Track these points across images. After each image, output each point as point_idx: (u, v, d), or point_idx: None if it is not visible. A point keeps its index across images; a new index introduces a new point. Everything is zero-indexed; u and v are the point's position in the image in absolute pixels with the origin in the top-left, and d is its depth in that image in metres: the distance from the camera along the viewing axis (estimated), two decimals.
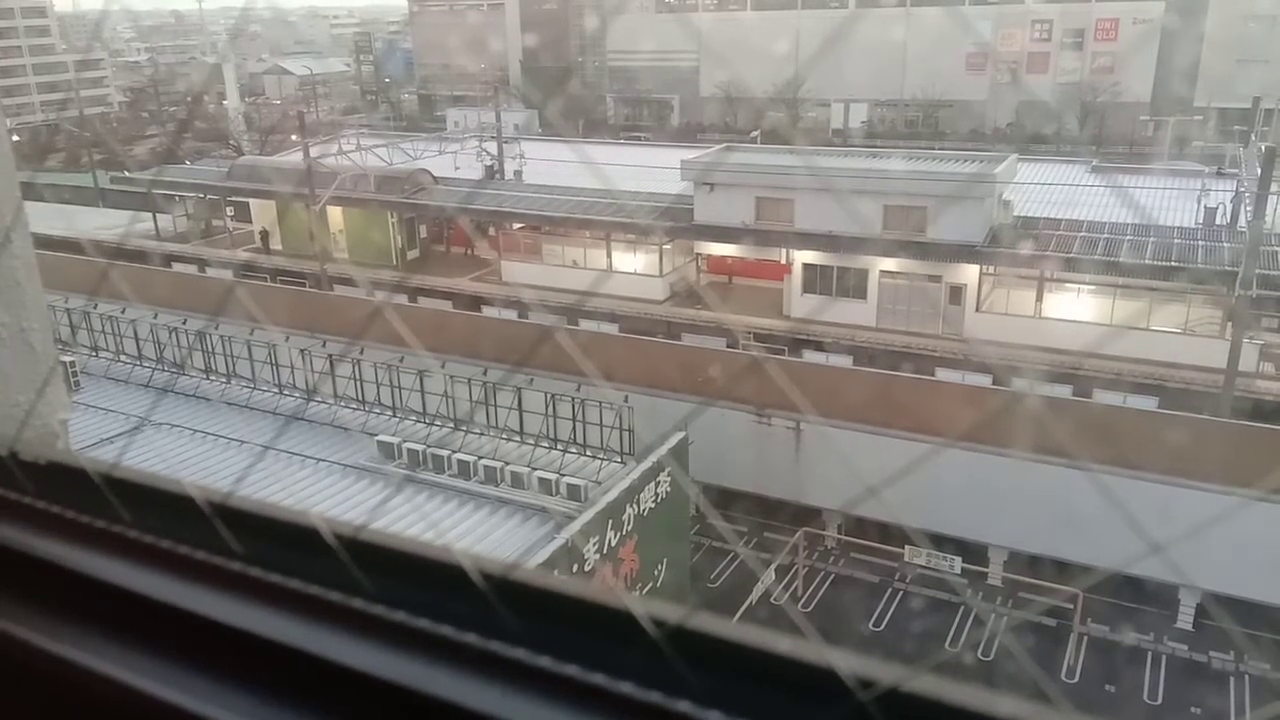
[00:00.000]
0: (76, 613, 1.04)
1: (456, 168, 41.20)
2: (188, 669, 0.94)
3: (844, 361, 28.36)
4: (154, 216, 45.70)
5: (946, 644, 20.21)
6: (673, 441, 18.90)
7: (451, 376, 19.76)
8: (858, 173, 32.53)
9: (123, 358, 23.32)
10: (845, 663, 0.72)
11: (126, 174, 56.97)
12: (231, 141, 66.96)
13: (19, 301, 2.00)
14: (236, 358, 21.70)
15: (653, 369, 23.78)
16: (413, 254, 41.04)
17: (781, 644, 0.76)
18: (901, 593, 22.28)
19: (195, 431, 19.59)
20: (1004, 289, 31.13)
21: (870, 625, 21.26)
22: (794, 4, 76.78)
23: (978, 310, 30.71)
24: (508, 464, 17.53)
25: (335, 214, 40.07)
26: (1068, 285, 30.00)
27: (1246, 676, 19.62)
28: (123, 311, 23.68)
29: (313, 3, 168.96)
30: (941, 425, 20.82)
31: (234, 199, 43.83)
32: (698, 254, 36.27)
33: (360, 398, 20.31)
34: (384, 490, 17.44)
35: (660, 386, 22.90)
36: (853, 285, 31.68)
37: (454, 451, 17.96)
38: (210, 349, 22.08)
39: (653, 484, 17.54)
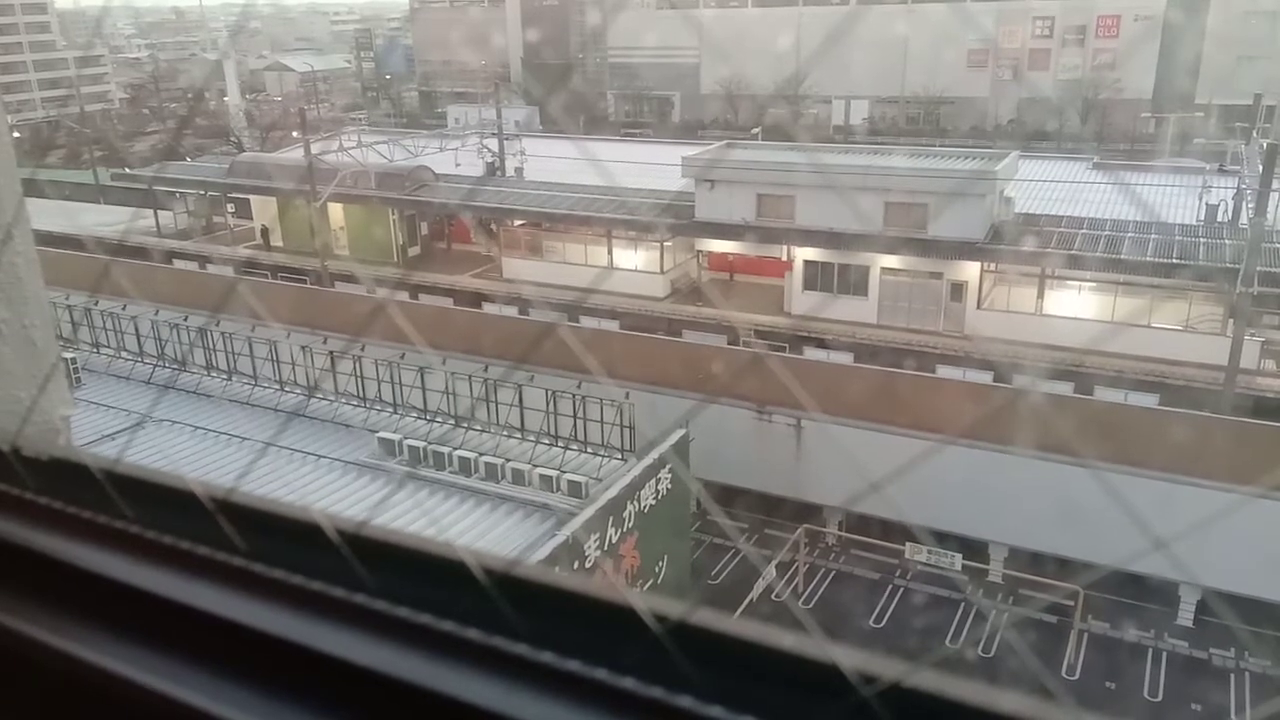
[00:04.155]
0: (78, 608, 1.04)
1: (457, 164, 41.18)
2: (190, 664, 0.94)
3: (845, 358, 28.35)
4: (155, 213, 45.70)
5: (947, 641, 20.22)
6: (674, 438, 18.91)
7: (452, 373, 19.76)
8: (859, 169, 32.49)
9: (124, 354, 23.33)
10: (848, 658, 0.72)
11: (127, 170, 56.96)
12: (232, 138, 66.92)
13: (20, 297, 2.00)
14: (237, 354, 21.71)
15: (654, 366, 23.79)
16: (414, 251, 41.04)
17: (784, 639, 0.76)
18: (902, 589, 22.29)
19: (196, 428, 19.60)
20: (1005, 286, 31.11)
21: (871, 622, 21.27)
22: (795, 0, 76.69)
23: (979, 307, 30.70)
24: (509, 461, 17.53)
25: (336, 211, 40.07)
26: (1069, 282, 29.98)
27: (1247, 673, 19.63)
28: (124, 308, 23.69)
29: None
30: (942, 422, 20.83)
31: (235, 196, 43.82)
32: (699, 251, 36.25)
33: (361, 394, 20.32)
34: (385, 487, 17.45)
35: (661, 383, 22.91)
36: (854, 282, 31.67)
37: (455, 448, 17.96)
38: (211, 346, 22.09)
39: (653, 480, 17.55)
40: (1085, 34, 70.44)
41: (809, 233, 31.18)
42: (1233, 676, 19.59)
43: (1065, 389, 25.38)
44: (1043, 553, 20.64)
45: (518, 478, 17.18)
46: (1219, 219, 30.00)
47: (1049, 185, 35.11)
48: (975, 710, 0.70)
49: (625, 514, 16.65)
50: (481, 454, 17.77)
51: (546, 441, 18.50)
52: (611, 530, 16.24)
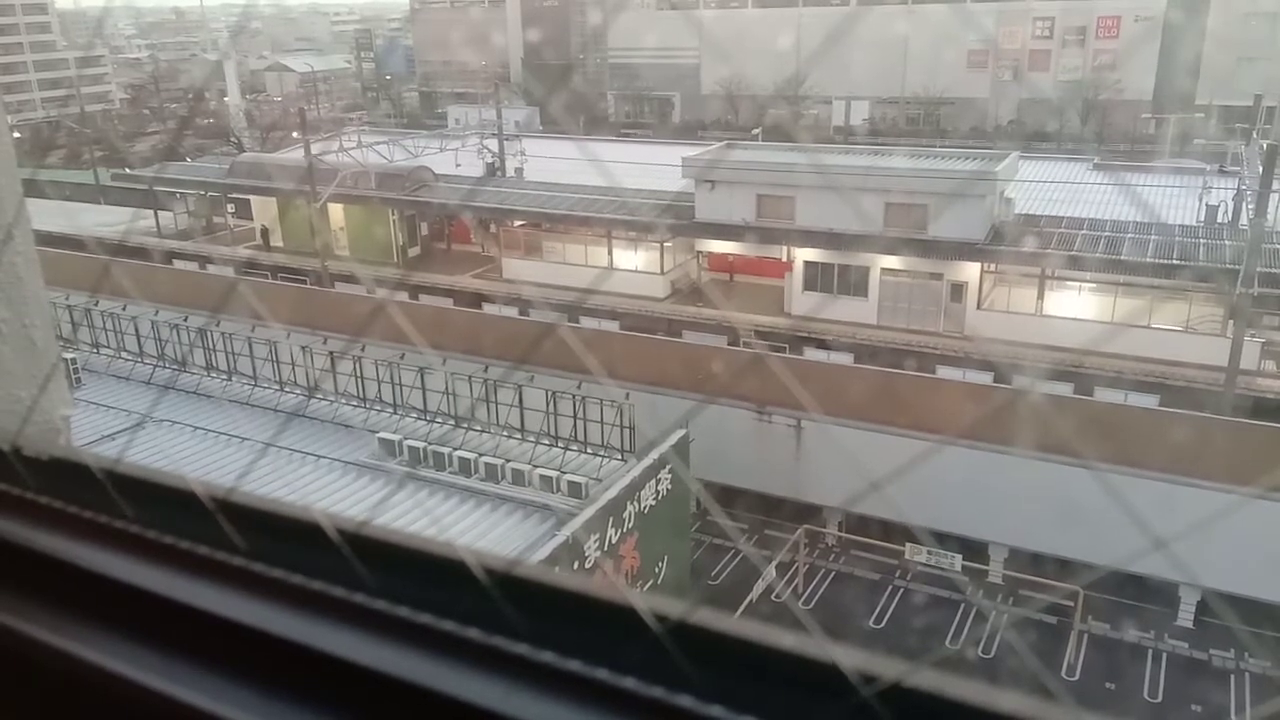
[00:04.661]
0: (79, 608, 1.04)
1: (458, 165, 41.18)
2: (190, 664, 0.94)
3: (845, 359, 28.34)
4: (155, 213, 45.71)
5: (947, 641, 20.21)
6: (674, 439, 18.90)
7: (453, 374, 19.76)
8: (859, 170, 32.49)
9: (124, 355, 23.33)
10: (848, 658, 0.72)
11: (127, 171, 56.96)
12: (232, 138, 66.94)
13: (21, 297, 2.00)
14: (238, 355, 21.71)
15: (654, 366, 23.78)
16: (414, 251, 41.03)
17: (784, 639, 0.76)
18: (902, 590, 22.29)
19: (197, 429, 19.60)
20: (1005, 286, 31.11)
21: (871, 622, 21.27)
22: (795, 1, 76.71)
23: (979, 308, 30.70)
24: (509, 461, 17.53)
25: (336, 211, 40.06)
26: (1069, 283, 29.98)
27: (1247, 674, 19.63)
28: (124, 308, 23.69)
29: None
30: (942, 422, 20.82)
31: (235, 196, 43.83)
32: (699, 251, 36.25)
33: (361, 395, 20.31)
34: (385, 487, 17.45)
35: (661, 384, 22.90)
36: (854, 283, 31.67)
37: (455, 449, 17.96)
38: (211, 346, 22.09)
39: (653, 481, 17.55)
40: (1085, 35, 70.45)
41: (809, 233, 31.17)
42: (1233, 677, 19.58)
43: (1065, 390, 25.37)
44: (1042, 553, 20.63)
45: (518, 478, 17.17)
46: (1219, 220, 30.00)
47: (1049, 186, 35.11)
48: (975, 710, 0.70)
49: (625, 514, 16.65)
50: (481, 454, 17.77)
51: (546, 442, 18.49)
52: (611, 531, 16.24)
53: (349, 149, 38.44)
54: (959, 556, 21.47)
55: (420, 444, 18.34)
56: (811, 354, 29.52)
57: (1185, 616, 20.78)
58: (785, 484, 23.37)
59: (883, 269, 31.28)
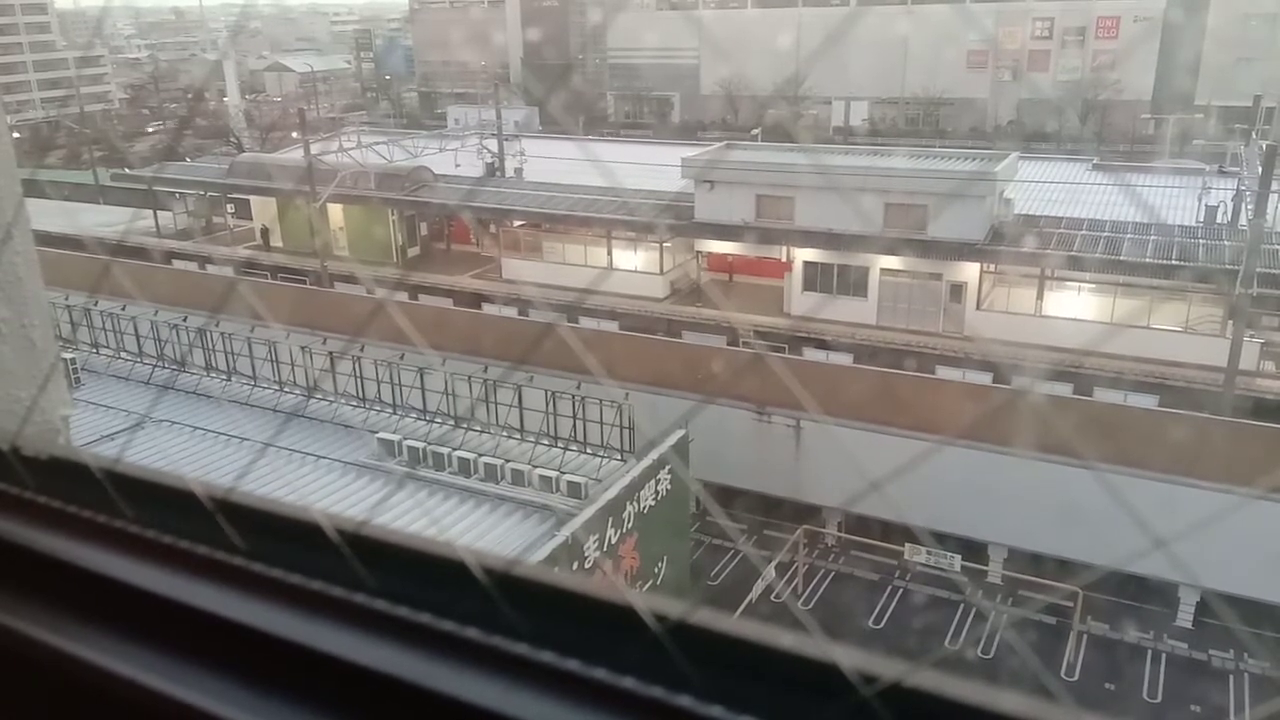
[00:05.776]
0: (78, 608, 1.04)
1: (457, 165, 41.17)
2: (189, 664, 0.94)
3: (844, 359, 28.34)
4: (155, 213, 45.69)
5: (947, 641, 20.22)
6: (673, 439, 18.90)
7: (452, 374, 19.76)
8: (859, 170, 32.48)
9: (123, 355, 23.32)
10: (848, 658, 0.72)
11: (127, 171, 56.94)
12: (232, 138, 66.88)
13: (20, 297, 2.00)
14: (237, 355, 21.70)
15: (654, 366, 23.78)
16: (413, 251, 41.03)
17: (783, 639, 0.76)
18: (902, 590, 22.29)
19: (196, 429, 19.59)
20: (1005, 287, 31.11)
21: (870, 622, 21.27)
22: (795, 1, 76.71)
23: (978, 308, 30.70)
24: (508, 461, 17.53)
25: (336, 211, 40.05)
26: (1068, 283, 29.98)
27: (1246, 674, 19.63)
28: (123, 308, 23.68)
29: None
30: (942, 423, 20.83)
31: (234, 196, 43.83)
32: (698, 251, 36.25)
33: (361, 395, 20.31)
34: (385, 487, 17.44)
35: (661, 384, 22.90)
36: (853, 283, 31.67)
37: (454, 449, 17.96)
38: (211, 346, 22.08)
39: (653, 481, 17.54)
40: (1085, 35, 70.49)
41: (808, 233, 31.17)
42: (1232, 678, 19.59)
43: (1065, 390, 25.37)
44: (1042, 553, 20.63)
45: (517, 478, 17.17)
46: (1218, 220, 30.00)
47: (1049, 186, 35.09)
48: (975, 710, 0.70)
49: (625, 515, 16.65)
50: (481, 454, 17.77)
51: (546, 442, 18.49)
52: (611, 531, 16.24)
53: (348, 149, 38.42)
54: (958, 557, 21.47)
55: (420, 444, 18.34)
56: (811, 354, 29.51)
57: (1185, 617, 20.79)
58: (785, 484, 23.36)
59: (882, 269, 31.28)
